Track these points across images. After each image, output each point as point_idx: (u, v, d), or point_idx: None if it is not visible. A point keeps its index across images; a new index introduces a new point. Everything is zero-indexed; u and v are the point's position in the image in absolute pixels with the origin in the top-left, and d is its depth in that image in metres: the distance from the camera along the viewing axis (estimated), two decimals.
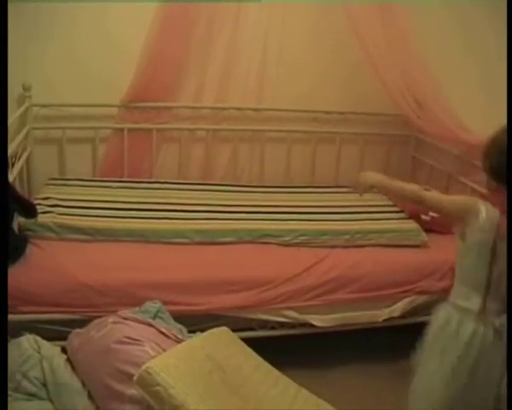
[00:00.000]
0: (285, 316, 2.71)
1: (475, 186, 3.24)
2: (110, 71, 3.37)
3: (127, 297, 2.47)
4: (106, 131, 3.54)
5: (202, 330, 2.41)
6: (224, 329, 2.32)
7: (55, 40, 3.28)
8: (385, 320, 2.83)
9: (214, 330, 2.29)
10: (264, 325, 2.73)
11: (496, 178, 1.82)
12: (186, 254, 2.72)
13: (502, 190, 1.78)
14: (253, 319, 2.69)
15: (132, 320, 2.16)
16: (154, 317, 2.27)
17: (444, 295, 2.70)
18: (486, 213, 1.83)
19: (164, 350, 2.05)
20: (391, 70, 3.35)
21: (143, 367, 1.84)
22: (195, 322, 2.52)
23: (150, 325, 2.18)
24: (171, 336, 2.19)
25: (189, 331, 2.37)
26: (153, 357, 1.97)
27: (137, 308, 2.30)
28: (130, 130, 3.52)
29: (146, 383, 1.83)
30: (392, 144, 4.04)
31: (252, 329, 2.71)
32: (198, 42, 3.50)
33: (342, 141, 3.95)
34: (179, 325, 2.32)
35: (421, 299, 2.86)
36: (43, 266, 2.48)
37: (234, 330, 2.44)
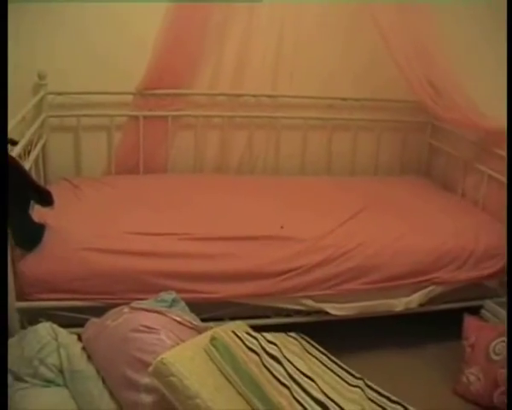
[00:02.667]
0: (301, 304, 2.71)
1: (492, 173, 3.23)
2: (125, 58, 3.33)
3: (142, 285, 2.47)
4: (121, 118, 3.50)
5: (217, 319, 2.49)
6: (241, 323, 2.30)
7: (69, 28, 3.25)
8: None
9: (231, 323, 2.28)
10: (280, 312, 2.72)
11: None
12: (202, 242, 2.68)
13: None
14: (268, 307, 2.69)
15: (148, 309, 2.16)
16: (170, 306, 2.28)
17: (462, 284, 2.81)
18: None
19: (179, 338, 2.05)
20: (407, 55, 3.29)
21: (158, 358, 1.84)
22: (210, 309, 2.54)
23: (165, 314, 2.18)
24: (187, 323, 2.20)
25: (204, 319, 2.35)
26: (169, 345, 1.97)
27: (152, 299, 2.30)
28: (145, 117, 3.48)
29: (161, 373, 1.83)
30: (408, 131, 3.99)
31: (266, 316, 2.70)
32: (213, 28, 3.44)
33: (358, 128, 3.91)
34: (193, 314, 2.32)
35: (439, 289, 2.84)
36: (59, 254, 2.48)
37: (248, 318, 2.47)
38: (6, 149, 1.79)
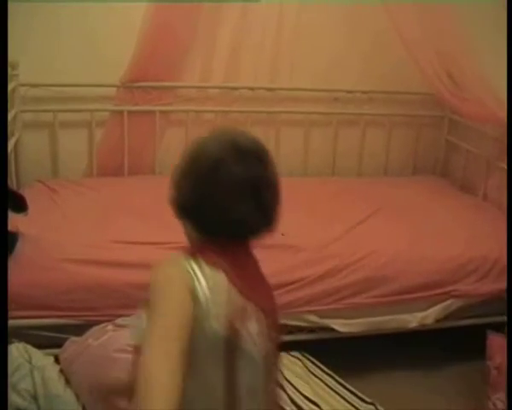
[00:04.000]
0: (304, 320, 2.70)
1: None
2: (108, 46, 3.32)
3: (130, 299, 2.43)
4: (103, 114, 3.49)
5: None
6: None
7: (43, 12, 3.23)
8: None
9: None
10: (282, 330, 2.69)
11: (197, 226, 1.38)
12: None
13: (210, 243, 1.35)
14: None
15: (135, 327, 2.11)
16: None
17: (484, 298, 2.81)
18: (209, 285, 1.27)
19: None
20: (421, 41, 3.28)
21: None
22: None
23: None
24: None
25: None
26: None
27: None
28: (130, 112, 3.47)
29: None
30: (422, 126, 4.00)
31: None
32: (206, 14, 3.43)
33: (366, 123, 3.90)
34: None
35: (459, 303, 2.83)
36: (35, 265, 2.47)
37: None
38: (6, 151, 1.75)
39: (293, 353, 2.32)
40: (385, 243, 2.88)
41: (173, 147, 3.60)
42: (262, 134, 3.70)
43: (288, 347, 2.37)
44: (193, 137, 3.47)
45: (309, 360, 2.42)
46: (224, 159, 1.31)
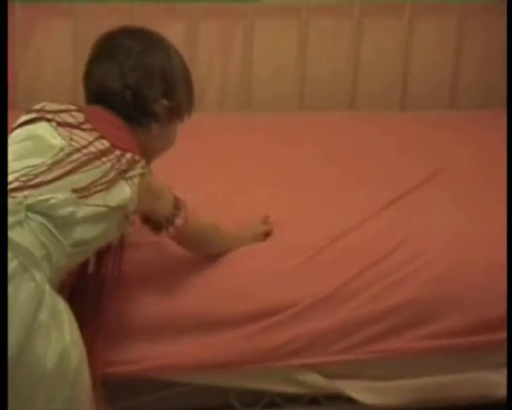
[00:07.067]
0: (299, 383, 2.44)
1: None
2: None
3: None
4: None
5: None
6: None
7: None
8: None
9: None
10: (257, 399, 2.51)
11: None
12: None
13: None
14: (233, 389, 2.46)
15: None
16: None
17: None
18: None
19: None
20: None
21: None
22: (119, 396, 2.34)
23: None
24: None
25: None
26: None
27: None
28: None
29: None
30: None
31: (230, 408, 2.53)
32: None
33: (414, 12, 3.64)
34: None
35: None
36: None
37: None
38: (6, 150, 1.89)
39: None
40: (446, 236, 2.59)
41: (51, 60, 3.49)
42: (221, 32, 3.61)
43: None
44: (85, 39, 3.15)
45: None
46: None
